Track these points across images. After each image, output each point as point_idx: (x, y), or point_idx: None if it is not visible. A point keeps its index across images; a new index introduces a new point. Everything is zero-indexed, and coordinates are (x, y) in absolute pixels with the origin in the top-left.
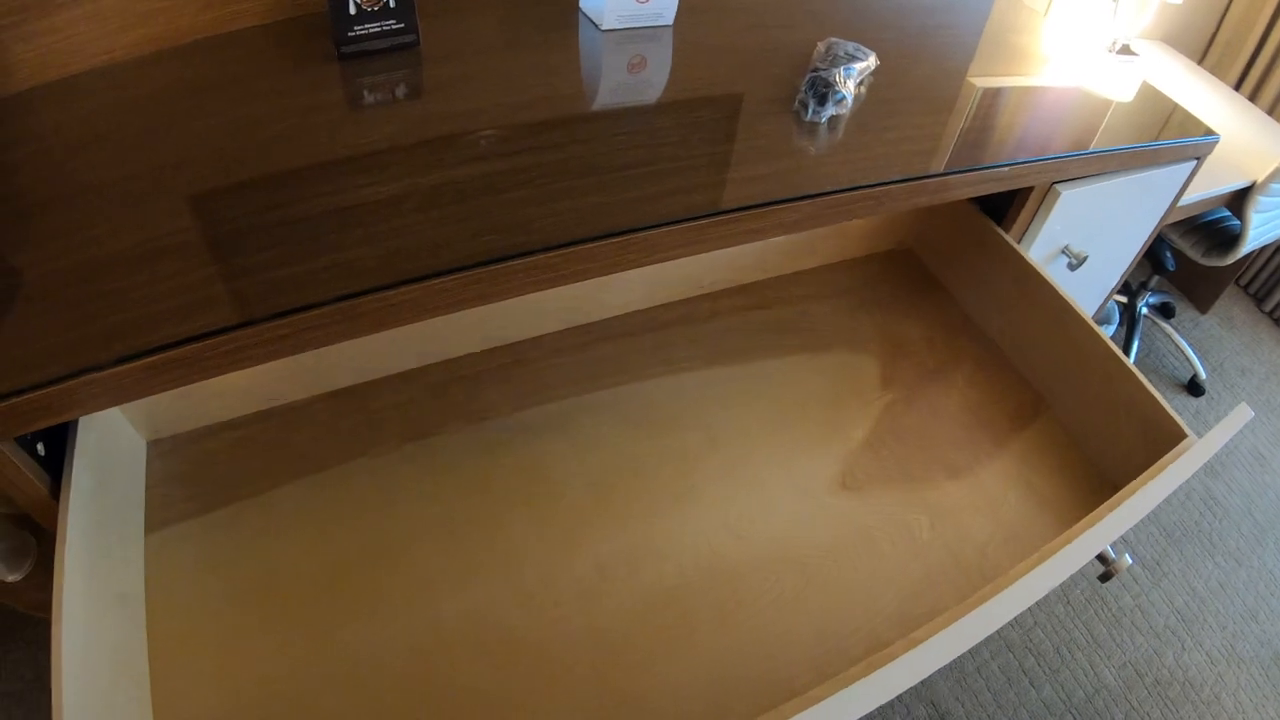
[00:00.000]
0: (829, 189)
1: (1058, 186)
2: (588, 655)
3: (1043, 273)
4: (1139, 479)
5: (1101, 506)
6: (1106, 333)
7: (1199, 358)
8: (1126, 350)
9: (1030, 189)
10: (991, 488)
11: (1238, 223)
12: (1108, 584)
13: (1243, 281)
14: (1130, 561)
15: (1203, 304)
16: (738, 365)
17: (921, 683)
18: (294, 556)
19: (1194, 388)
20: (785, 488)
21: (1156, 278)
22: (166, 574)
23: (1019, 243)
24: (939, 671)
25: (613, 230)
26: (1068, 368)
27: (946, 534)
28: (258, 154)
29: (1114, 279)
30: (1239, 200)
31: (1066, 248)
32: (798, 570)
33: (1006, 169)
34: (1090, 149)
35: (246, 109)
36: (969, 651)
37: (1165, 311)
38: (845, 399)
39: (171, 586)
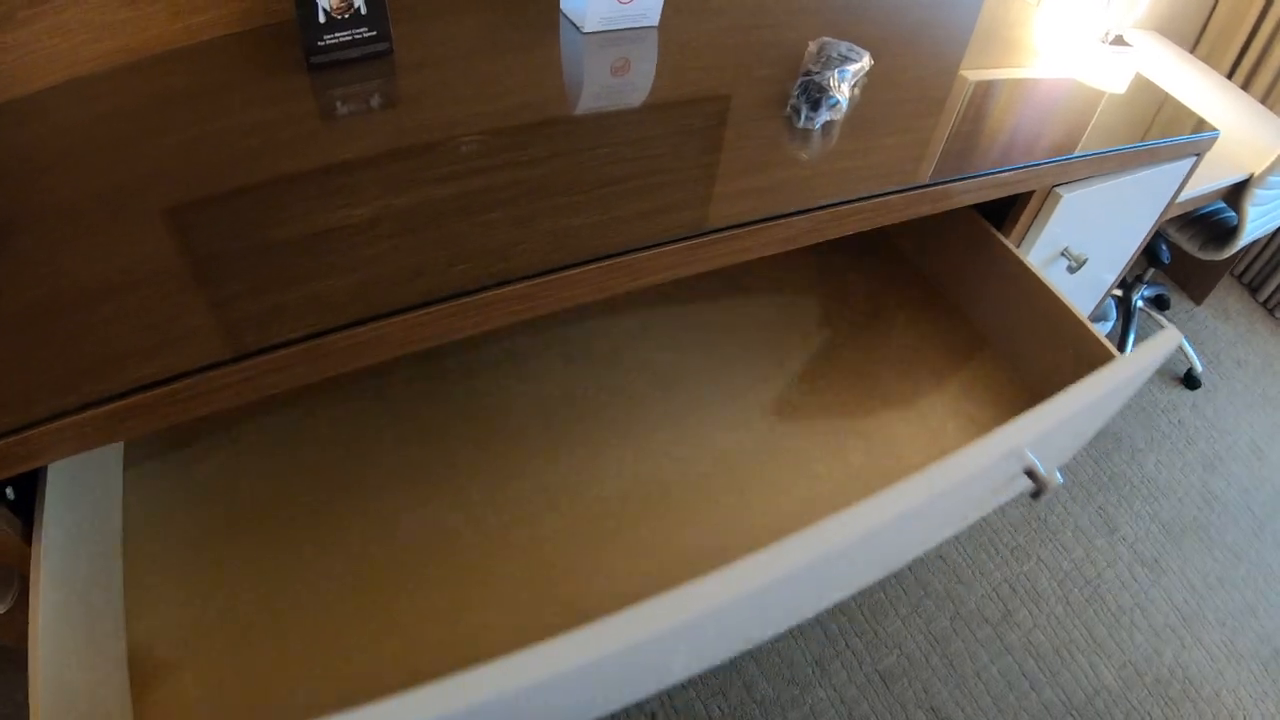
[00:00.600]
0: (825, 202)
1: (1058, 189)
2: (528, 563)
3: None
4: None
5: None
6: (1104, 329)
7: (1195, 350)
8: (1122, 344)
9: (1030, 193)
10: (930, 418)
11: (1233, 215)
12: (1104, 579)
13: (1236, 272)
14: (1060, 480)
15: (1197, 295)
16: (678, 305)
17: (922, 689)
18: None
19: (1190, 381)
20: (723, 417)
21: (1152, 270)
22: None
23: (1018, 247)
24: (938, 677)
25: (595, 255)
26: (1006, 304)
27: (883, 460)
28: (225, 174)
29: (1112, 277)
30: (1235, 193)
31: (1066, 250)
32: (735, 493)
33: (1008, 174)
34: (1092, 150)
35: (215, 124)
36: (968, 656)
37: (1160, 304)
38: (786, 336)
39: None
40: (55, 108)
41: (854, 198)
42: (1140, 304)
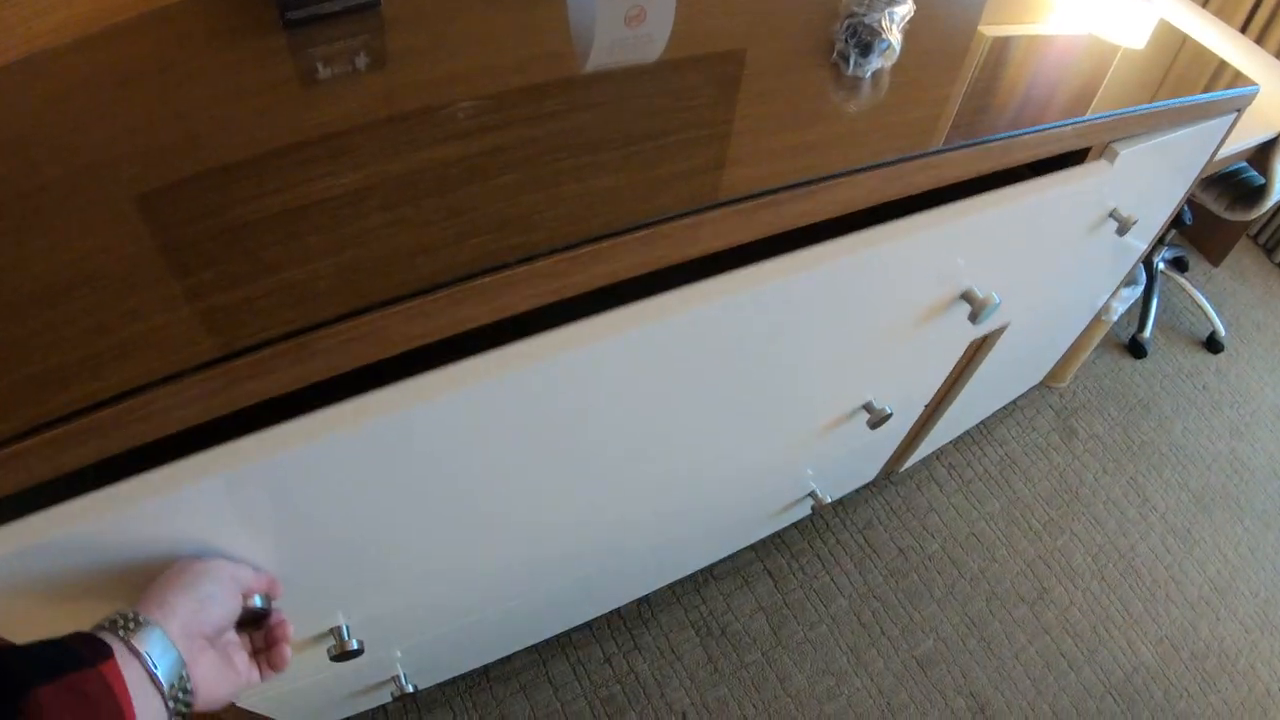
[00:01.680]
0: (888, 158)
1: (1115, 145)
2: None
3: None
4: None
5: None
6: (1133, 294)
7: (1216, 313)
8: (1146, 308)
9: (1087, 150)
10: None
11: (1256, 174)
12: (1138, 552)
13: (1252, 233)
14: (998, 301)
15: (1215, 257)
16: None
17: (960, 674)
18: None
19: (1213, 344)
20: None
21: (1173, 232)
22: None
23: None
24: (976, 661)
25: (633, 223)
26: None
27: None
28: (190, 148)
29: (1147, 241)
30: (1261, 152)
31: (1115, 211)
32: None
33: (1071, 128)
34: (1147, 104)
35: (180, 94)
36: (1006, 638)
37: (1179, 266)
38: None
39: None
40: (7, 87)
41: (918, 153)
42: (1161, 267)
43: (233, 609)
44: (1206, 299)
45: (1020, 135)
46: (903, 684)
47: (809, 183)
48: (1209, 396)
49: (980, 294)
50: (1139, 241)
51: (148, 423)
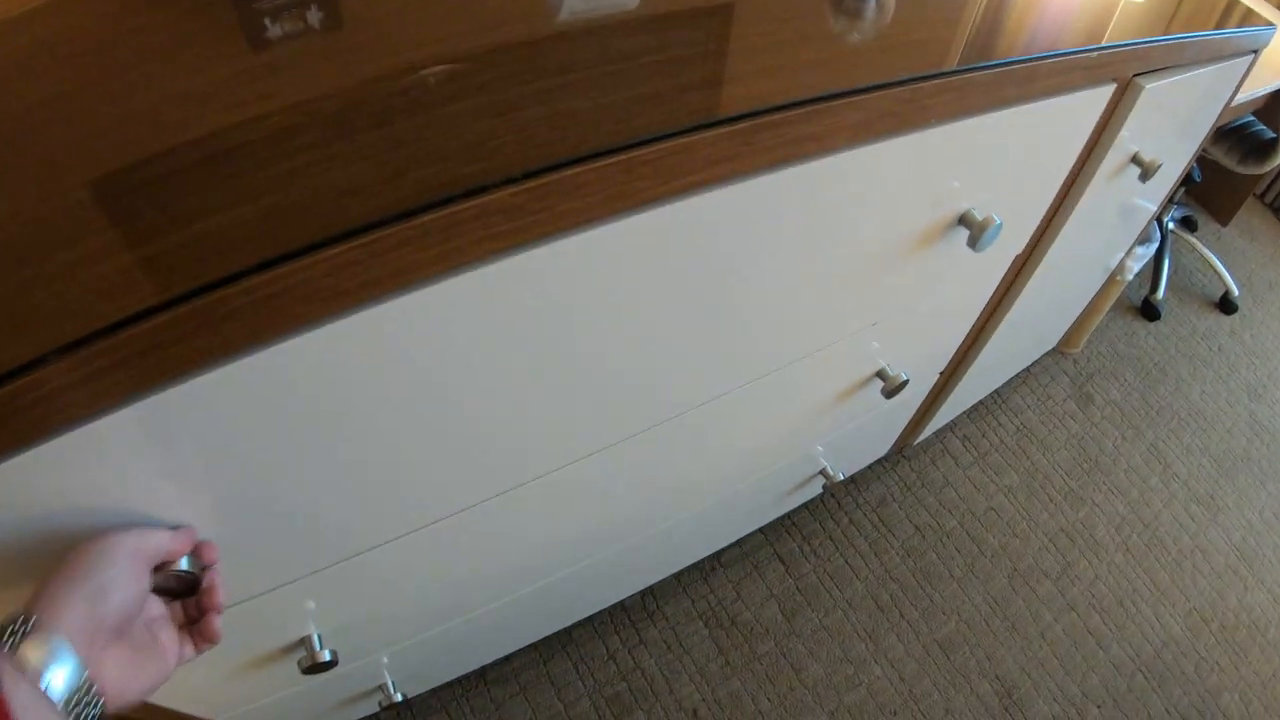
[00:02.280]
0: (901, 76)
1: (1139, 79)
2: None
3: None
4: None
5: None
6: (1148, 252)
7: (1229, 272)
8: (1158, 268)
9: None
10: None
11: (1264, 128)
12: (1161, 521)
13: (1259, 192)
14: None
15: (1223, 217)
16: None
17: (985, 656)
18: None
19: (1226, 305)
20: None
21: (1182, 190)
22: None
23: (1093, 152)
24: (1001, 642)
25: (607, 146)
26: None
27: None
28: (86, 92)
29: (1164, 191)
30: (1271, 104)
31: (1136, 155)
32: None
33: (1096, 54)
34: (1170, 34)
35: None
36: (1031, 617)
37: (1188, 225)
38: None
39: None
40: None
41: (935, 72)
42: (1171, 226)
43: (139, 591)
44: (1218, 258)
45: (1043, 59)
46: (925, 670)
47: (814, 101)
48: (1225, 358)
49: (979, 216)
50: (1157, 189)
51: (32, 411)
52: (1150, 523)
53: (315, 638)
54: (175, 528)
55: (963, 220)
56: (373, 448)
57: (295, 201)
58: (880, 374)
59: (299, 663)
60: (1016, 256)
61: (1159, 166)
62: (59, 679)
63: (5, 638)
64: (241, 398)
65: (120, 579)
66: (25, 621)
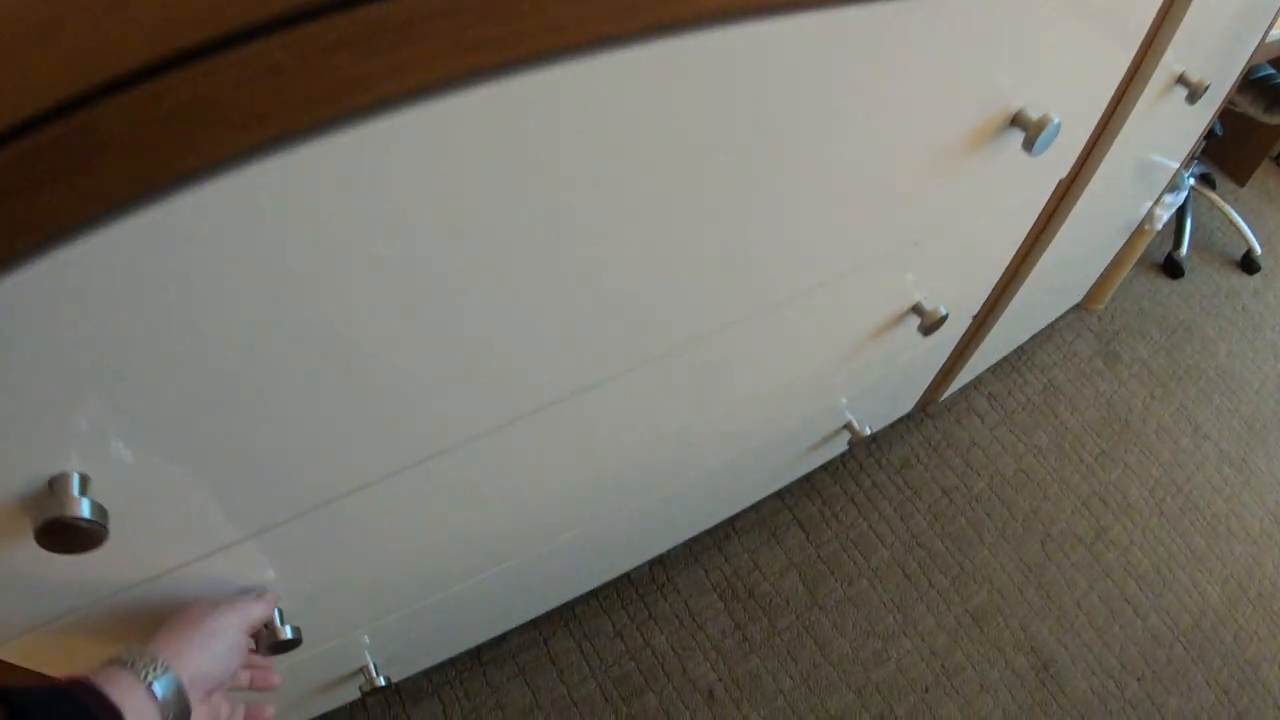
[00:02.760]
0: None
1: None
2: None
3: None
4: None
5: None
6: (1176, 201)
7: (1252, 230)
8: (1180, 225)
9: None
10: None
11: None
12: (1195, 484)
13: (1274, 155)
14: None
15: (1240, 177)
16: None
17: (1019, 627)
18: None
19: (1248, 264)
20: None
21: (1204, 144)
22: None
23: (1141, 65)
24: (1035, 611)
25: None
26: None
27: None
28: None
29: (1203, 124)
30: None
31: (1183, 75)
32: None
33: None
34: None
35: None
36: (1066, 584)
37: (1207, 183)
38: None
39: None
40: None
41: None
42: (1191, 182)
43: (236, 667)
44: (1240, 216)
45: None
46: (957, 643)
47: None
48: (1249, 318)
49: (1034, 115)
50: (1200, 116)
51: None
52: (1184, 486)
53: (277, 613)
54: (260, 593)
55: (1016, 121)
56: (319, 354)
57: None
58: (916, 308)
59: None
60: (1061, 181)
61: (1207, 88)
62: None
63: (141, 670)
64: (135, 274)
65: (236, 648)
66: (157, 661)
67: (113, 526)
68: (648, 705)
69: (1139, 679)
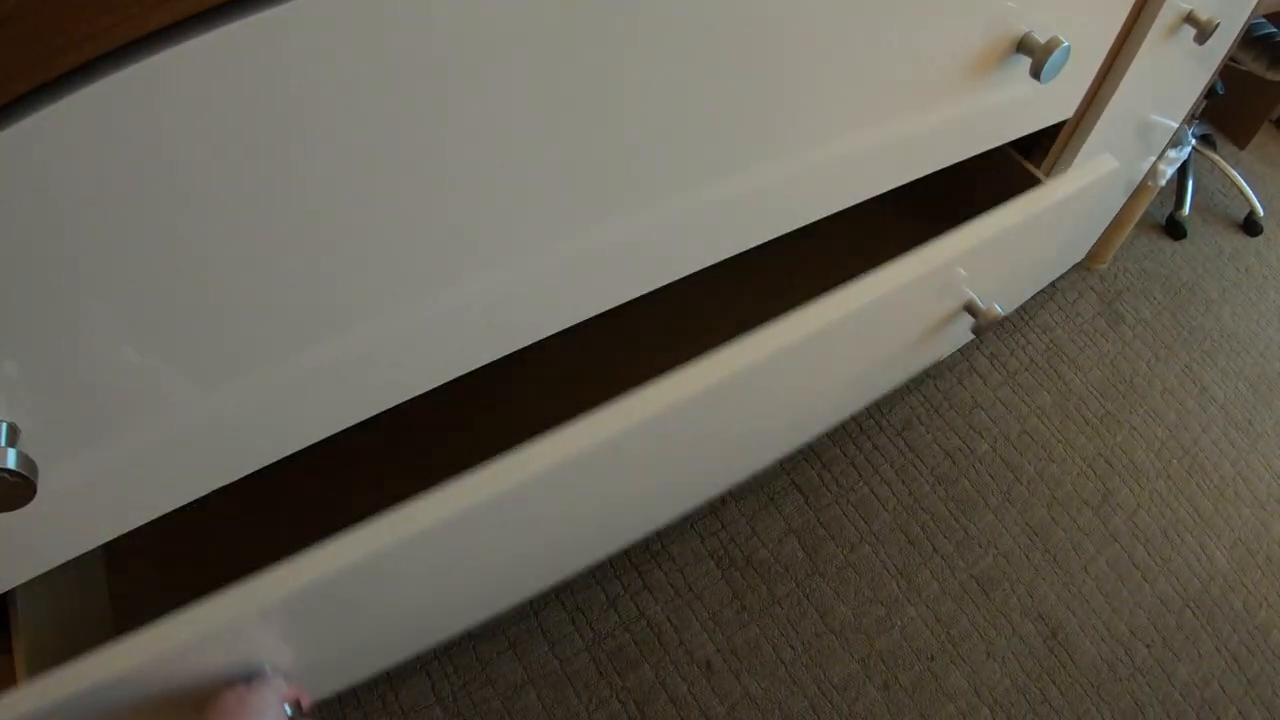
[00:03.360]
0: None
1: None
2: None
3: None
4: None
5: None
6: (1180, 156)
7: (1255, 192)
8: (1182, 185)
9: None
10: None
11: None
12: (1201, 447)
13: (1274, 117)
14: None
15: (1241, 139)
16: None
17: (1026, 592)
18: None
19: (1250, 226)
20: None
21: (1205, 103)
22: None
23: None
24: (1042, 576)
25: None
26: None
27: None
28: None
29: (1207, 73)
30: None
31: (1191, 14)
32: None
33: None
34: None
35: None
36: (1073, 549)
37: (1209, 144)
38: None
39: None
40: None
41: None
42: (1193, 142)
43: None
44: (1242, 177)
45: None
46: (963, 609)
47: None
48: (1253, 280)
49: (1041, 39)
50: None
51: None
52: (1190, 448)
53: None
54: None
55: (1023, 45)
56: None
57: None
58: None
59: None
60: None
61: (1216, 27)
62: None
63: None
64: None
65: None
66: None
67: (43, 484)
68: (643, 677)
69: (1148, 645)
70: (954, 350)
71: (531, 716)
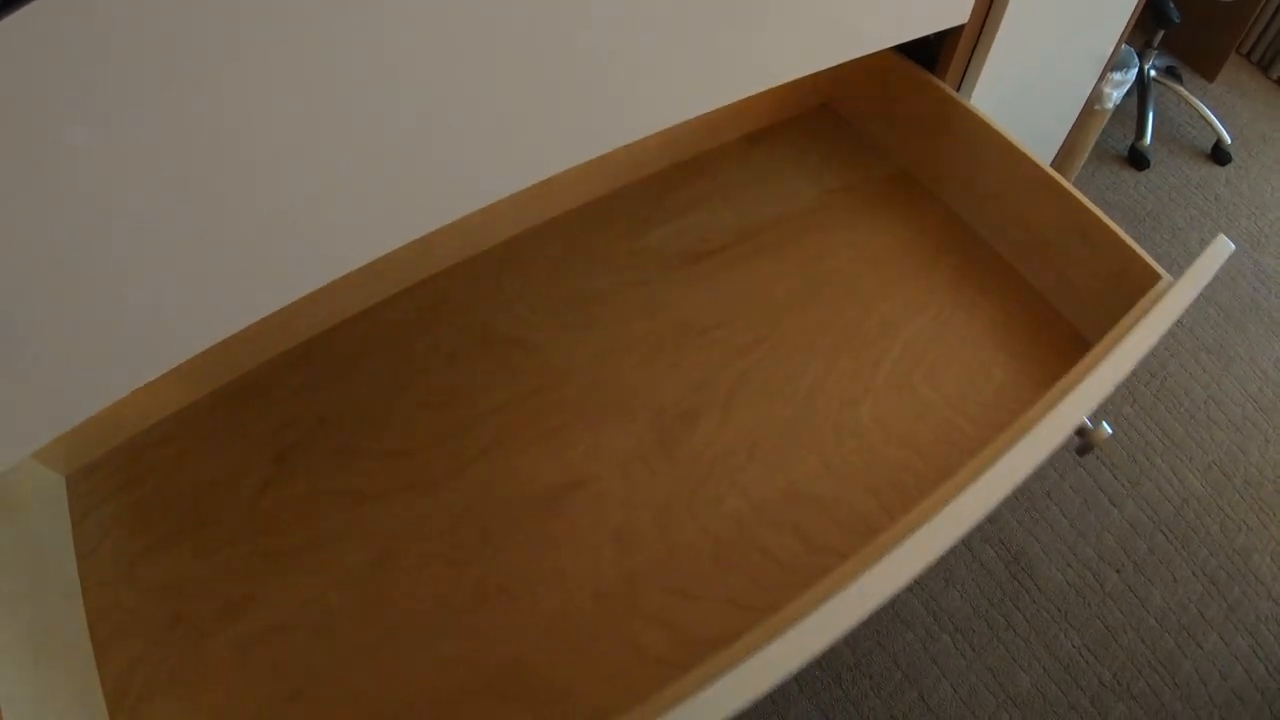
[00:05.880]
0: None
1: None
2: None
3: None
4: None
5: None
6: (1125, 80)
7: (1221, 121)
8: (1142, 116)
9: None
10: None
11: None
12: (1170, 371)
13: (1244, 50)
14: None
15: (1209, 72)
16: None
17: (988, 520)
18: None
19: (1219, 154)
20: None
21: (1161, 33)
22: None
23: None
24: (1004, 505)
25: None
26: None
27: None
28: None
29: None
30: None
31: None
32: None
33: None
34: None
35: None
36: (1035, 475)
37: (1173, 76)
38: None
39: None
40: None
41: None
42: (1153, 74)
43: None
44: (1208, 107)
45: None
46: None
47: None
48: (1222, 207)
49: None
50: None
51: None
52: (1158, 372)
53: None
54: None
55: None
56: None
57: None
58: None
59: None
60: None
61: None
62: None
63: None
64: None
65: None
66: None
67: None
68: None
69: (1119, 570)
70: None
71: None
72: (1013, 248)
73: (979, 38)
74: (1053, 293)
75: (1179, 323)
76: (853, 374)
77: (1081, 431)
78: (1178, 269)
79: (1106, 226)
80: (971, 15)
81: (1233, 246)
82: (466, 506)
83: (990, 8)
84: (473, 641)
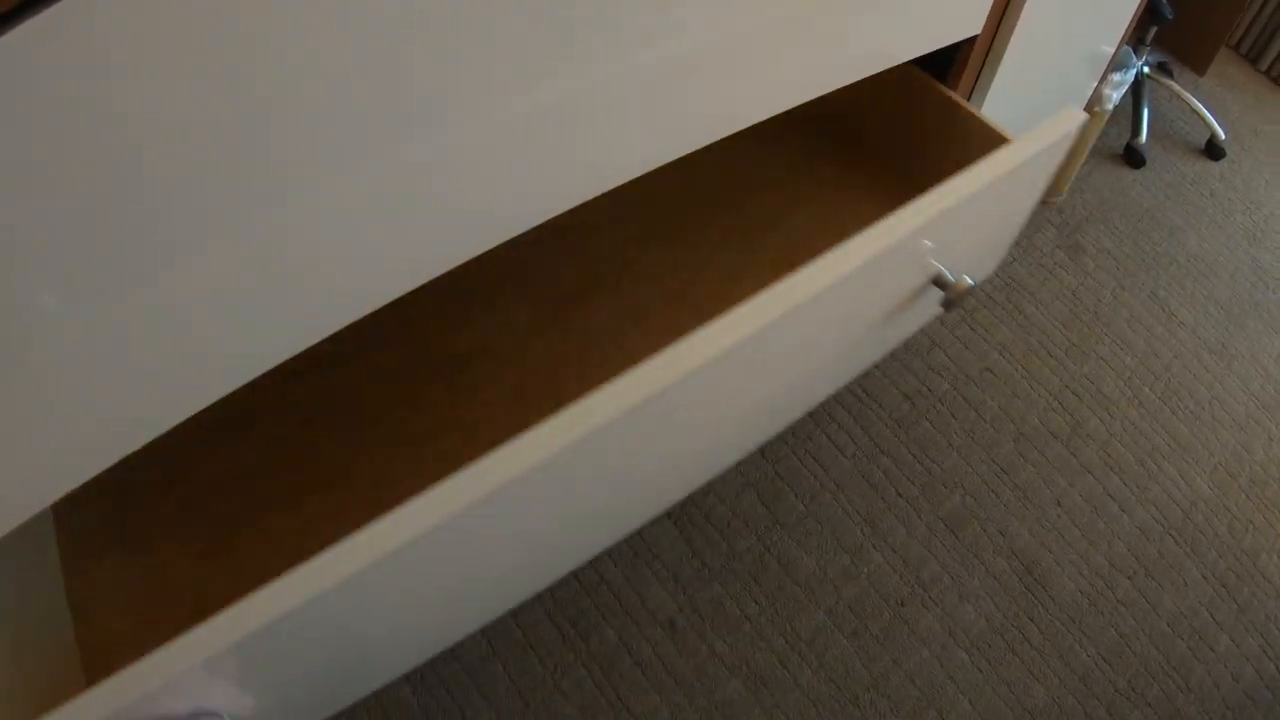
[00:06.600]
0: None
1: None
2: None
3: None
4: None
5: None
6: (1125, 80)
7: (1214, 116)
8: (1137, 114)
9: None
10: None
11: None
12: (1173, 372)
13: (1233, 43)
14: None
15: (1199, 66)
16: None
17: (997, 531)
18: None
19: (1213, 150)
20: None
21: (1154, 29)
22: None
23: None
24: (1013, 514)
25: None
26: None
27: None
28: None
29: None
30: None
31: None
32: None
33: None
34: None
35: None
36: (1044, 484)
37: (1165, 72)
38: None
39: None
40: None
41: None
42: (1147, 71)
43: None
44: (1201, 102)
45: None
46: (931, 552)
47: None
48: (1218, 204)
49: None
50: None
51: None
52: (1161, 374)
53: None
54: None
55: None
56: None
57: None
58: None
59: None
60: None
61: None
62: None
63: None
64: None
65: None
66: None
67: None
68: (606, 640)
69: (1130, 577)
70: (921, 327)
71: (499, 687)
72: None
73: (990, 47)
74: None
75: (1181, 323)
76: None
77: (940, 282)
78: (1178, 267)
79: None
80: (985, 25)
81: (1085, 116)
82: None
83: (1003, 16)
84: None
